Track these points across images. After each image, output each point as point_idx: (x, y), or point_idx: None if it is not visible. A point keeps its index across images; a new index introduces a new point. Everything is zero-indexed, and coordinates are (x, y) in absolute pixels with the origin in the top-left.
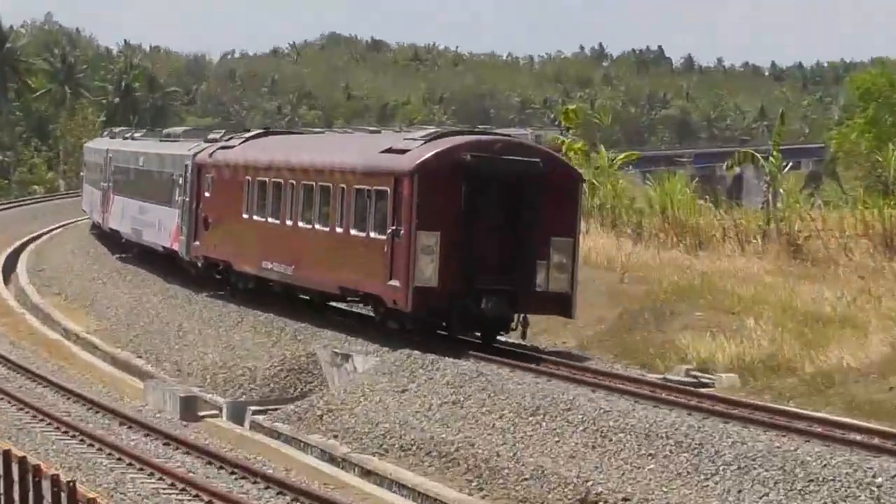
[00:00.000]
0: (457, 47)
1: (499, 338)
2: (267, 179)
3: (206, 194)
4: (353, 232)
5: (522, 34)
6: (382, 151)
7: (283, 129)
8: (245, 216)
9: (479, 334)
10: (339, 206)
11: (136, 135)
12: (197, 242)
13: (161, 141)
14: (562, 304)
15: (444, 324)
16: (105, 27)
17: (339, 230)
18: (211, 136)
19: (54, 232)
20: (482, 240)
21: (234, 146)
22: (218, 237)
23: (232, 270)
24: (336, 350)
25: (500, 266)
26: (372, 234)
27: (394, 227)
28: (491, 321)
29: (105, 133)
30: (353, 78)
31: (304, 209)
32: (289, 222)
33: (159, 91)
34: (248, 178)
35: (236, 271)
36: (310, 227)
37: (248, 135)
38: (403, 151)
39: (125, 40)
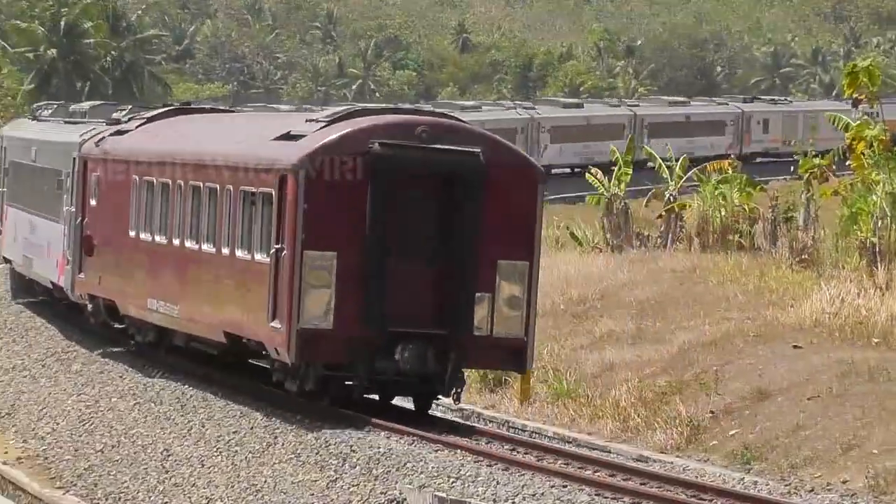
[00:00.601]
0: None
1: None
2: (154, 180)
3: (92, 202)
4: (237, 253)
5: None
6: (275, 138)
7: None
8: (132, 234)
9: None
10: (226, 216)
11: (46, 112)
12: (81, 274)
13: (63, 123)
14: (512, 355)
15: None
16: None
17: (224, 251)
18: (115, 114)
19: None
20: (398, 263)
21: (128, 130)
22: (103, 265)
23: (125, 315)
24: (443, 495)
25: (423, 301)
26: (256, 256)
27: (277, 246)
28: (409, 378)
29: (33, 112)
30: (470, 10)
31: (191, 222)
32: (175, 241)
33: (128, 37)
34: (135, 177)
35: (126, 316)
36: (196, 247)
37: (152, 113)
38: (296, 138)
39: None
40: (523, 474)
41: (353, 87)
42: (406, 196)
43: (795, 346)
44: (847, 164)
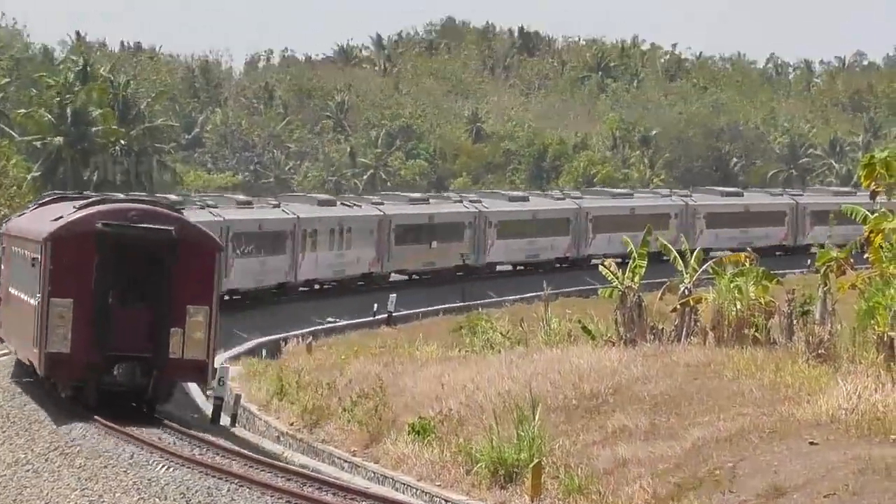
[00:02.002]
0: (673, 46)
1: None
2: (13, 248)
3: (2, 267)
4: (29, 300)
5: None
6: (52, 219)
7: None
8: (9, 289)
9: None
10: (25, 273)
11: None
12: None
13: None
14: (198, 372)
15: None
16: (50, 17)
17: (25, 298)
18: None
19: None
20: (117, 307)
21: (25, 212)
22: (6, 317)
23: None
24: None
25: (135, 334)
26: (31, 301)
27: (38, 295)
28: (123, 388)
29: (33, 204)
30: (484, 100)
31: (20, 279)
32: (15, 292)
33: (136, 125)
34: (9, 246)
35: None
36: (18, 296)
37: (42, 200)
38: (58, 219)
39: (77, 32)
40: None
41: (365, 176)
42: (122, 259)
43: (812, 443)
44: (865, 256)
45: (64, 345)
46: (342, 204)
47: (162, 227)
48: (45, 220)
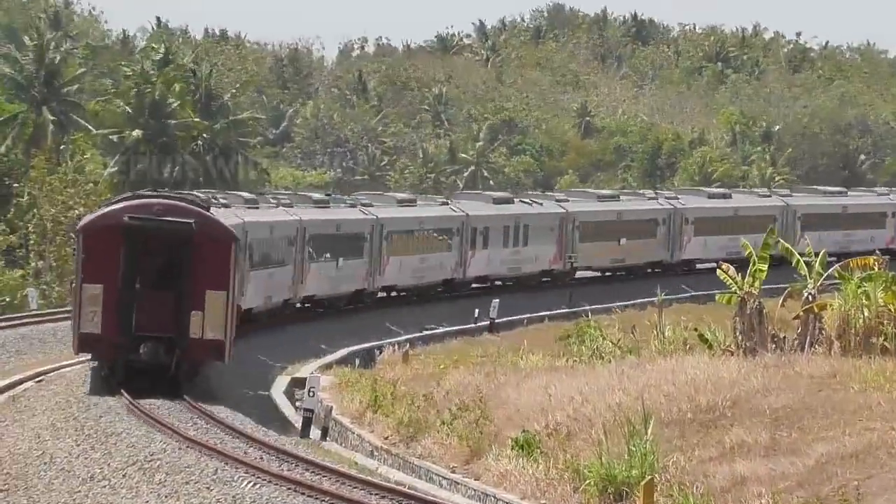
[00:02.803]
0: (798, 35)
1: None
2: None
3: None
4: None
5: None
6: (105, 211)
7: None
8: None
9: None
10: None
11: None
12: None
13: None
14: (216, 351)
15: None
16: (130, 1)
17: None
18: None
19: (16, 390)
20: (142, 292)
21: None
22: None
23: None
24: None
25: (159, 316)
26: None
27: (74, 281)
28: (148, 365)
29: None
30: (594, 92)
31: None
32: None
33: (220, 118)
34: None
35: None
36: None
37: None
38: (91, 213)
39: (157, 18)
40: None
41: (465, 173)
42: (147, 249)
43: None
44: None
45: (95, 325)
46: (521, 201)
47: (183, 221)
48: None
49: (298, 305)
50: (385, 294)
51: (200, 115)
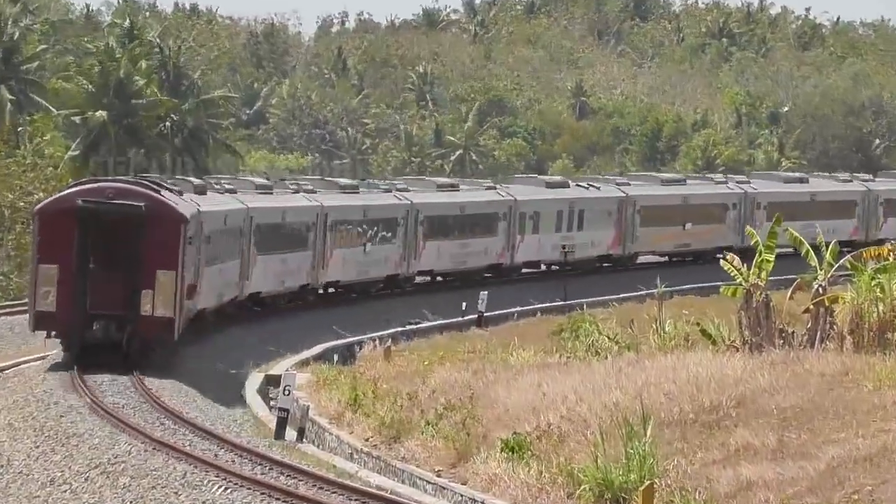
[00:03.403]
0: (807, 10)
1: None
2: None
3: None
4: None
5: None
6: (59, 195)
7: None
8: None
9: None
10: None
11: None
12: None
13: None
14: (166, 328)
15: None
16: None
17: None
18: None
19: None
20: (95, 271)
21: None
22: None
23: None
24: None
25: (111, 295)
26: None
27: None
28: (101, 342)
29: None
30: (590, 71)
31: None
32: None
33: (190, 97)
34: None
35: None
36: None
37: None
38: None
39: None
40: None
41: (453, 157)
42: (99, 230)
43: None
44: None
45: (50, 304)
46: (577, 185)
47: (134, 203)
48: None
49: (321, 291)
50: (427, 279)
51: (168, 94)
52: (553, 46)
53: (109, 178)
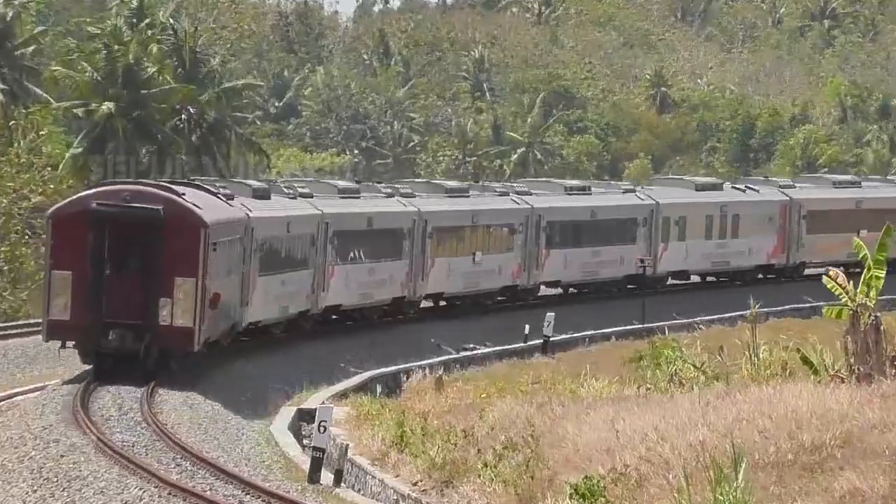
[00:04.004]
0: None
1: None
2: None
3: None
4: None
5: None
6: (74, 198)
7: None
8: None
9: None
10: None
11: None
12: None
13: None
14: (185, 338)
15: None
16: None
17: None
18: None
19: None
20: (111, 278)
21: None
22: None
23: None
24: None
25: (128, 303)
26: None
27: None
28: (116, 352)
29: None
30: (672, 57)
31: None
32: None
33: (209, 87)
34: None
35: None
36: None
37: None
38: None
39: None
40: None
41: (514, 156)
42: (115, 235)
43: None
44: None
45: (64, 312)
46: (733, 187)
47: (151, 207)
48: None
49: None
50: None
51: (184, 83)
52: (629, 28)
53: (129, 180)
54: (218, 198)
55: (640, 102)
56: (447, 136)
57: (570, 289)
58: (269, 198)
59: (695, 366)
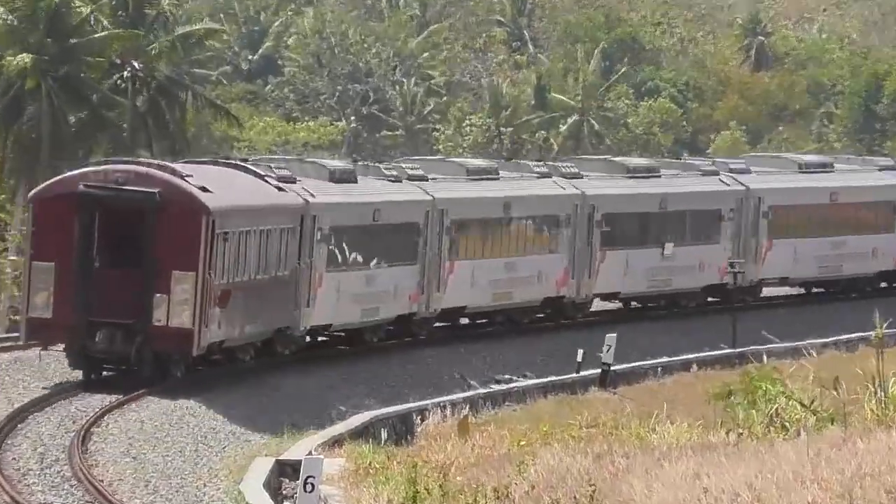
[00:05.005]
0: None
1: None
2: None
3: None
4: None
5: None
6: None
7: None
8: None
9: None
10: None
11: None
12: None
13: None
14: (183, 341)
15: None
16: None
17: None
18: None
19: None
20: (100, 270)
21: None
22: None
23: None
24: None
25: (117, 299)
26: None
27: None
28: (104, 356)
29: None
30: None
31: None
32: None
33: (161, 35)
34: None
35: None
36: None
37: None
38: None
39: None
40: None
41: (563, 126)
42: (106, 222)
43: None
44: None
45: (46, 309)
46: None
47: (147, 190)
48: None
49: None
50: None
51: (127, 29)
52: None
53: (125, 158)
54: (265, 181)
55: (729, 56)
56: (475, 101)
57: (633, 303)
58: (353, 181)
59: (802, 404)
